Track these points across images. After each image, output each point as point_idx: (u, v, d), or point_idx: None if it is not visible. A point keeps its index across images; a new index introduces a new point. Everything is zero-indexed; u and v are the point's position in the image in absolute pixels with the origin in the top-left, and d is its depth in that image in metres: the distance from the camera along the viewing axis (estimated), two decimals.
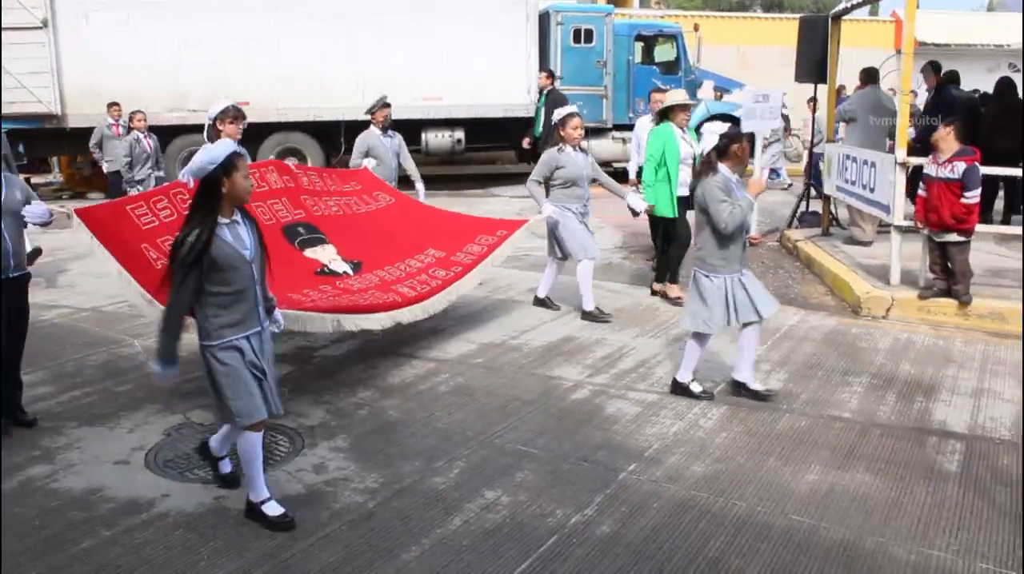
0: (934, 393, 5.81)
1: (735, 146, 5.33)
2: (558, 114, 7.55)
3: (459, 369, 6.13)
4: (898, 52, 13.81)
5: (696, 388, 5.61)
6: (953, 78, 11.10)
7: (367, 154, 8.35)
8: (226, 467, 4.43)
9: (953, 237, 7.21)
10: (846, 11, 10.46)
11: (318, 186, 7.09)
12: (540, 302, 7.87)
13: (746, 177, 5.90)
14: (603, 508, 4.16)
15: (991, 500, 4.29)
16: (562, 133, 7.42)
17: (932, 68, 10.94)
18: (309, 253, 6.40)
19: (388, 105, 8.68)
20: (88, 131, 14.20)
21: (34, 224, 5.00)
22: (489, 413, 5.32)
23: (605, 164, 16.10)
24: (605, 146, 16.59)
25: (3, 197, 4.80)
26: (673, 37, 17.48)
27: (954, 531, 3.98)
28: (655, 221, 8.11)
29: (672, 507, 4.18)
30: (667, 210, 7.77)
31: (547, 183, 7.54)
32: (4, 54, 13.74)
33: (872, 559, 3.74)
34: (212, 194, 3.75)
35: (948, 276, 7.46)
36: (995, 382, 5.94)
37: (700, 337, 5.53)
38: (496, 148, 17.94)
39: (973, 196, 7.04)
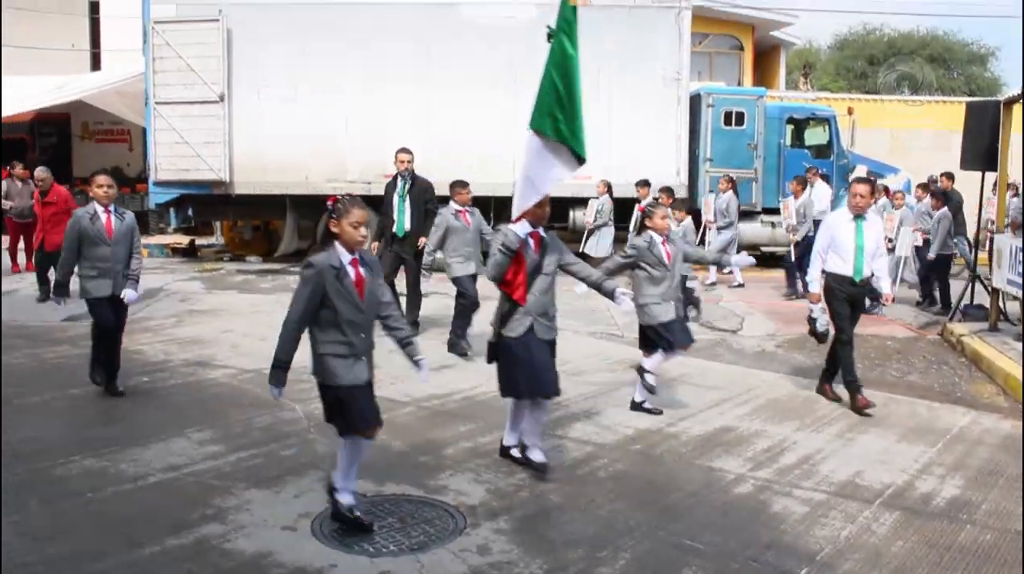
0: None
1: None
2: None
3: (616, 455, 6.02)
4: None
5: None
6: None
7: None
8: None
9: None
10: (1022, 97, 10.05)
11: None
12: None
13: None
14: None
15: None
16: None
17: None
18: None
19: None
20: (251, 198, 15.04)
21: None
22: (650, 503, 5.18)
23: (752, 248, 15.77)
24: (753, 229, 16.28)
25: None
26: (826, 120, 17.16)
27: None
28: None
29: None
30: None
31: None
32: (184, 126, 14.79)
33: None
34: None
35: None
36: None
37: None
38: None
39: None
